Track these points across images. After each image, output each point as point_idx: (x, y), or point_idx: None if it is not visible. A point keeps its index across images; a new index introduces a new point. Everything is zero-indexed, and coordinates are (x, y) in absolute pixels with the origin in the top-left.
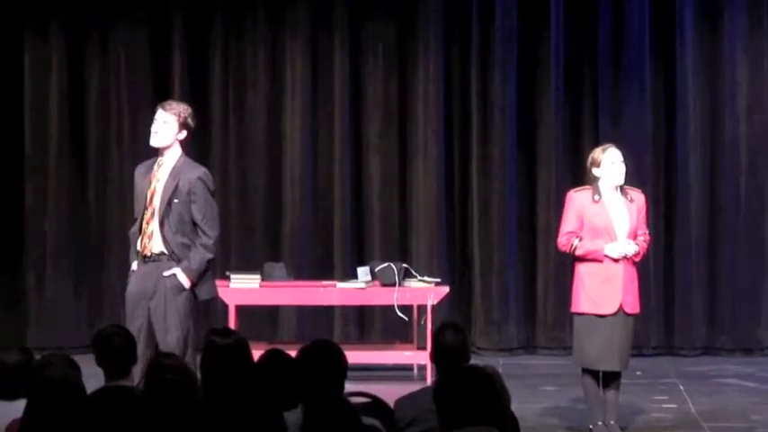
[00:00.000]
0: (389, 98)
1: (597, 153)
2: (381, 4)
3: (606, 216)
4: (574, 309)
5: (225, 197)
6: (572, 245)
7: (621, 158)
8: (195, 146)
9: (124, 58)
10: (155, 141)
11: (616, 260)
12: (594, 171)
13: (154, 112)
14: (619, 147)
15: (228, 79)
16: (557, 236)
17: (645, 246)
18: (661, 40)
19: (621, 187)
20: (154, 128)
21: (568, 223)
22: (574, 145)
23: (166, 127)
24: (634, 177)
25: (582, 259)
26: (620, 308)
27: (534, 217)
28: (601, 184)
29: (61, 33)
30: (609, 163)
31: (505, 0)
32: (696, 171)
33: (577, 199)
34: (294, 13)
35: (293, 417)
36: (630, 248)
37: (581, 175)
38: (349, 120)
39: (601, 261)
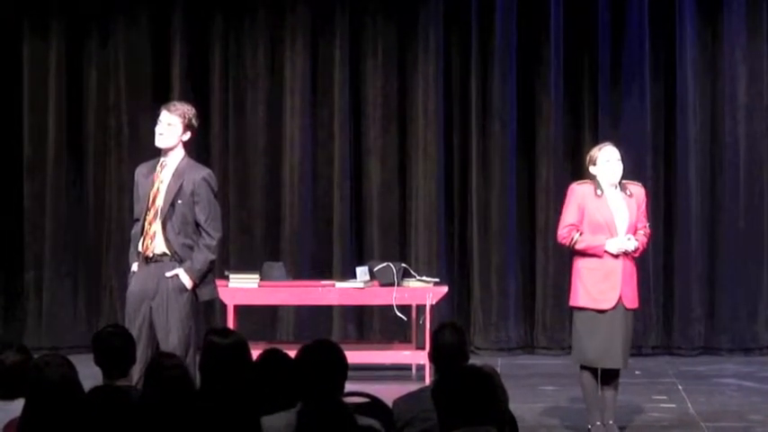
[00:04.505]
0: (389, 98)
1: (594, 151)
2: (381, 4)
3: (607, 211)
4: (572, 303)
5: (224, 196)
6: (572, 238)
7: (618, 157)
8: (194, 145)
9: (123, 57)
10: (161, 143)
11: (615, 255)
12: (591, 169)
13: (153, 112)
14: (618, 146)
15: (228, 78)
16: (557, 229)
17: (645, 240)
18: (660, 40)
19: (620, 183)
20: (159, 129)
21: (569, 215)
22: (573, 145)
23: (172, 128)
24: (633, 176)
25: (581, 254)
26: (620, 301)
27: (533, 217)
28: (599, 181)
29: (60, 32)
30: (604, 161)
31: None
32: (695, 170)
33: (580, 191)
34: (294, 13)
35: (284, 419)
36: (630, 244)
37: (580, 175)
38: (348, 119)
39: (600, 256)
